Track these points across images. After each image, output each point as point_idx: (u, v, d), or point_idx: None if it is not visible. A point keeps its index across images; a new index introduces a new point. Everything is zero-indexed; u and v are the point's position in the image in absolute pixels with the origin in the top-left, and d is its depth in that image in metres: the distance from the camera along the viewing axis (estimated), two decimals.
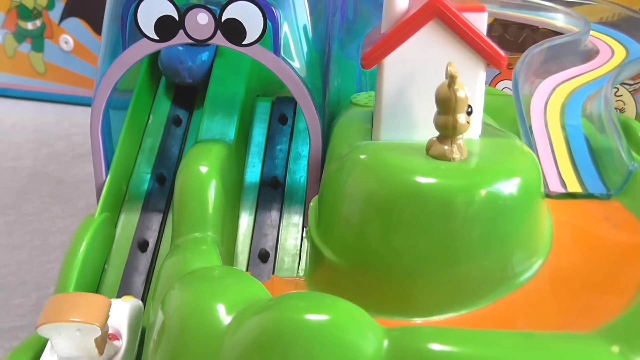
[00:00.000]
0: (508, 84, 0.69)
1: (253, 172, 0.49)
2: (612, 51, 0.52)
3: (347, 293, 0.30)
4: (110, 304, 0.32)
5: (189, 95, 0.55)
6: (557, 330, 0.31)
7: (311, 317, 0.28)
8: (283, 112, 0.53)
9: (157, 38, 0.42)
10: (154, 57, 0.54)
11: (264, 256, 0.44)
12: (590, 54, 0.51)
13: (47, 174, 0.76)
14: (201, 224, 0.39)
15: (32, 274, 0.60)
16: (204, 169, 0.41)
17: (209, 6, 0.41)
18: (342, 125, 0.43)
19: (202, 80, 0.54)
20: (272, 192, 0.47)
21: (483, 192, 0.33)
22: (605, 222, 0.38)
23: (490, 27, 0.37)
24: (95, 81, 0.45)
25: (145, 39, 0.42)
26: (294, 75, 0.43)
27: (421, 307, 0.34)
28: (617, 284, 0.33)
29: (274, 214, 0.46)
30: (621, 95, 0.67)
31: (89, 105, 0.45)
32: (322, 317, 0.28)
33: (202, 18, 0.41)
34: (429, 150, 0.35)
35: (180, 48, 0.53)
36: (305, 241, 0.43)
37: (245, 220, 0.46)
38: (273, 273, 0.43)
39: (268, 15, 0.41)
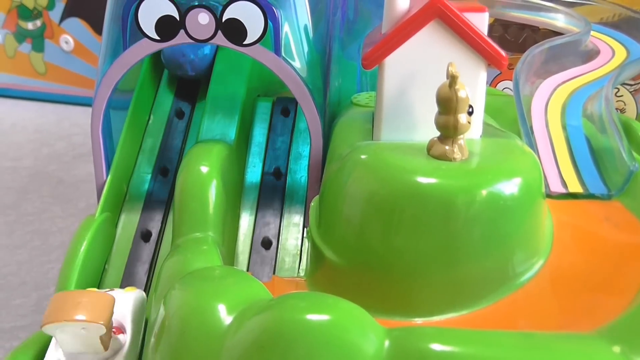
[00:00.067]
0: (508, 84, 0.69)
1: (254, 172, 0.49)
2: (612, 51, 0.52)
3: (347, 293, 0.30)
4: (114, 301, 0.32)
5: (191, 88, 0.55)
6: (558, 331, 0.31)
7: (312, 317, 0.28)
8: (285, 105, 0.53)
9: (157, 38, 0.42)
10: (157, 51, 0.55)
11: (267, 243, 0.44)
12: (590, 55, 0.51)
13: (47, 174, 0.76)
14: (202, 224, 0.39)
15: (32, 274, 0.60)
16: (204, 169, 0.41)
17: (211, 2, 0.41)
18: (342, 125, 0.43)
19: (205, 74, 0.54)
20: (275, 183, 0.47)
21: (484, 192, 0.33)
22: (606, 223, 0.38)
23: (490, 27, 0.37)
24: (95, 81, 0.45)
25: (146, 39, 0.42)
26: (295, 75, 0.43)
27: (422, 307, 0.34)
28: (618, 284, 0.33)
29: (275, 214, 0.46)
30: (622, 96, 0.67)
31: (89, 105, 0.45)
32: (323, 317, 0.28)
33: (203, 18, 0.41)
34: (430, 151, 0.35)
35: None
36: (306, 241, 0.43)
37: (246, 220, 0.46)
38: (274, 273, 0.43)
39: (269, 15, 0.41)
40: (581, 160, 0.42)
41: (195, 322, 0.30)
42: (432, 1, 0.35)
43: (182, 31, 0.42)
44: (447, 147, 0.34)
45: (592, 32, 0.52)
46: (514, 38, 0.68)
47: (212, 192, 0.41)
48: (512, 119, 0.44)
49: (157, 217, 0.47)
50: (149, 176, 0.49)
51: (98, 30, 0.87)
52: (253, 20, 0.41)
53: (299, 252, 0.44)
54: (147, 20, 0.41)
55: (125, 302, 0.35)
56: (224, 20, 0.41)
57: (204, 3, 0.41)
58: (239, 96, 0.50)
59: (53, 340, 0.33)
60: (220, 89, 0.50)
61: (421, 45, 0.36)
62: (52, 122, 0.88)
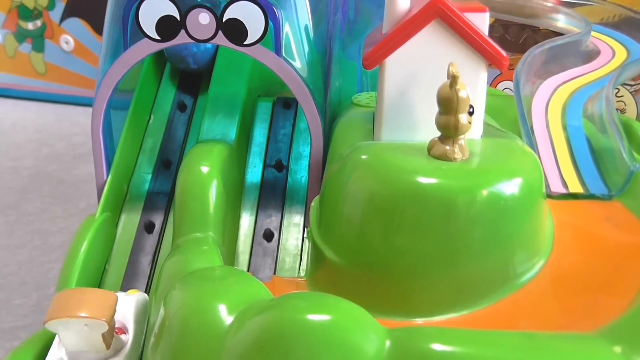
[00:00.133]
0: (508, 84, 0.69)
1: (254, 173, 0.49)
2: (613, 52, 0.52)
3: (348, 293, 0.30)
4: (117, 299, 0.32)
5: (193, 81, 0.55)
6: (559, 331, 0.31)
7: (313, 317, 0.28)
8: (287, 99, 0.53)
9: (158, 38, 0.42)
10: None
11: (268, 236, 0.44)
12: (591, 55, 0.51)
13: (47, 174, 0.76)
14: (202, 224, 0.39)
15: (32, 274, 0.60)
16: (205, 169, 0.41)
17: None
18: (343, 125, 0.43)
19: (207, 67, 0.54)
20: (276, 175, 0.47)
21: (485, 192, 0.33)
22: (606, 223, 0.38)
23: (491, 27, 0.37)
24: (96, 81, 0.45)
25: (146, 39, 0.42)
26: (296, 75, 0.43)
27: (422, 308, 0.34)
28: (618, 285, 0.33)
29: (275, 214, 0.46)
30: (622, 96, 0.67)
31: (89, 105, 0.45)
32: (324, 317, 0.28)
33: (204, 18, 0.41)
34: (431, 151, 0.35)
35: None
36: (306, 241, 0.43)
37: (247, 221, 0.46)
38: (274, 273, 0.43)
39: (270, 15, 0.41)
40: (582, 160, 0.42)
41: (195, 322, 0.30)
42: (432, 1, 0.35)
43: (182, 31, 0.42)
44: (447, 147, 0.34)
45: (592, 33, 0.52)
46: (514, 38, 0.68)
47: (213, 192, 0.41)
48: (512, 119, 0.44)
49: (160, 209, 0.47)
50: (149, 176, 0.49)
51: (98, 30, 0.87)
52: (254, 20, 0.41)
53: (299, 252, 0.44)
54: (148, 20, 0.41)
55: (128, 303, 0.35)
56: (224, 20, 0.41)
57: (204, 3, 0.41)
58: (240, 96, 0.50)
59: (56, 339, 0.33)
60: (220, 89, 0.50)
61: (422, 46, 0.36)
62: (52, 122, 0.88)
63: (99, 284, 0.43)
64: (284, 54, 0.42)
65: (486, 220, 0.33)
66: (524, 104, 0.44)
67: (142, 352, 0.34)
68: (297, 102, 0.52)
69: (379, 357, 0.27)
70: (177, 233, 0.40)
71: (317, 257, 0.37)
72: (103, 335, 0.32)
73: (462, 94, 0.34)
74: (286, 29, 0.43)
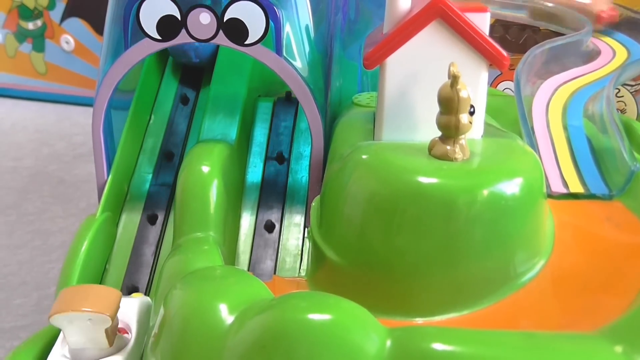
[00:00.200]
0: (509, 84, 0.69)
1: (255, 172, 0.49)
2: (613, 52, 0.52)
3: (348, 293, 0.30)
4: (121, 296, 0.33)
5: (195, 74, 0.56)
6: (560, 331, 0.31)
7: (314, 316, 0.28)
8: (289, 91, 0.53)
9: (159, 38, 0.42)
10: None
11: (269, 227, 0.45)
12: (591, 55, 0.51)
13: (48, 174, 0.76)
14: (203, 223, 0.39)
15: (33, 273, 0.60)
16: (205, 169, 0.41)
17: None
18: (343, 125, 0.43)
19: (208, 61, 0.54)
20: (278, 168, 0.48)
21: (485, 192, 0.33)
22: (607, 223, 0.38)
23: (491, 27, 0.37)
24: (96, 81, 0.45)
25: (147, 39, 0.42)
26: (296, 75, 0.43)
27: (423, 307, 0.34)
28: (619, 285, 0.33)
29: (277, 207, 0.46)
30: (622, 96, 0.67)
31: (89, 105, 0.45)
32: (324, 316, 0.28)
33: (205, 18, 0.41)
34: (431, 151, 0.35)
35: None
36: (307, 241, 0.43)
37: (247, 220, 0.46)
38: (275, 273, 0.43)
39: (270, 15, 0.41)
40: (582, 160, 0.42)
41: (196, 322, 0.30)
42: (433, 1, 0.35)
43: (183, 31, 0.42)
44: (448, 147, 0.34)
45: (592, 33, 0.52)
46: (514, 38, 0.68)
47: (213, 192, 0.41)
48: (513, 119, 0.44)
49: (163, 201, 0.47)
50: (150, 176, 0.49)
51: (98, 30, 0.87)
52: (254, 20, 0.41)
53: (300, 252, 0.44)
54: (149, 19, 0.41)
55: (131, 305, 0.35)
56: (225, 20, 0.41)
57: (205, 3, 0.41)
58: (240, 96, 0.50)
59: (59, 337, 0.34)
60: (221, 88, 0.50)
61: (423, 45, 0.36)
62: (52, 122, 0.88)
63: (100, 283, 0.43)
64: (284, 53, 0.42)
65: (487, 220, 0.33)
66: (524, 104, 0.44)
67: (143, 353, 0.34)
68: (295, 114, 0.52)
69: (380, 356, 0.27)
70: (177, 233, 0.40)
71: (317, 257, 0.37)
72: (106, 331, 0.32)
73: (463, 93, 0.34)
74: (287, 28, 0.43)
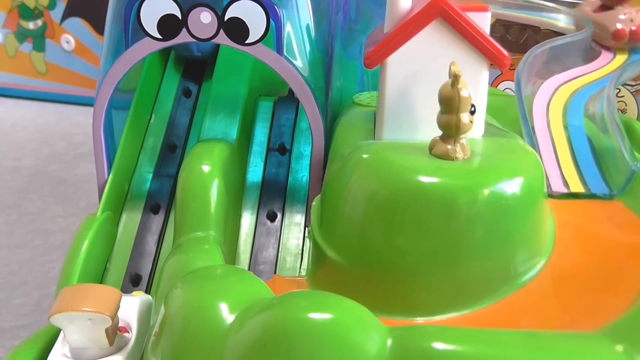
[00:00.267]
0: (509, 84, 0.69)
1: (255, 172, 0.49)
2: (613, 52, 0.52)
3: (349, 292, 0.30)
4: (121, 296, 0.33)
5: (198, 68, 0.56)
6: (561, 330, 0.31)
7: (315, 315, 0.28)
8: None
9: (160, 37, 0.42)
10: None
11: (272, 216, 0.45)
12: (592, 55, 0.51)
13: (48, 174, 0.76)
14: (203, 223, 0.39)
15: (33, 273, 0.60)
16: (206, 168, 0.41)
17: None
18: (344, 124, 0.43)
19: (211, 54, 0.55)
20: (280, 158, 0.48)
21: (486, 191, 0.33)
22: (608, 222, 0.38)
23: (492, 27, 0.37)
24: (97, 80, 0.45)
25: (148, 38, 0.42)
26: (297, 74, 0.43)
27: (423, 307, 0.34)
28: (620, 284, 0.33)
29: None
30: (623, 96, 0.67)
31: (90, 105, 0.45)
32: (325, 315, 0.28)
33: (205, 17, 0.41)
34: (432, 150, 0.35)
35: None
36: (307, 241, 0.43)
37: (247, 220, 0.46)
38: (275, 273, 0.43)
39: (271, 14, 0.41)
40: (583, 160, 0.42)
41: (197, 321, 0.30)
42: (434, 0, 0.35)
43: (184, 30, 0.42)
44: (449, 147, 0.34)
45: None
46: (515, 38, 0.68)
47: (214, 192, 0.41)
48: (513, 119, 0.44)
49: (166, 191, 0.48)
50: (150, 175, 0.49)
51: (99, 30, 0.87)
52: (255, 19, 0.41)
53: (300, 251, 0.44)
54: (150, 19, 0.41)
55: (132, 304, 0.35)
56: (226, 19, 0.41)
57: (206, 2, 0.41)
58: (241, 96, 0.50)
59: (60, 337, 0.34)
60: (222, 88, 0.50)
61: (423, 45, 0.36)
62: (52, 121, 0.88)
63: (100, 283, 0.43)
64: (285, 53, 0.42)
65: (487, 219, 0.33)
66: (525, 103, 0.44)
67: (143, 352, 0.34)
68: (296, 114, 0.52)
69: (381, 355, 0.27)
70: (178, 232, 0.40)
71: (318, 256, 0.37)
72: (106, 331, 0.32)
73: (464, 93, 0.33)
74: (288, 28, 0.43)
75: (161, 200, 0.47)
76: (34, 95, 0.93)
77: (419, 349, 0.27)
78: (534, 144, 0.42)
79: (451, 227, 0.33)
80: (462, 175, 0.34)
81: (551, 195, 0.39)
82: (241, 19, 0.41)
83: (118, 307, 0.32)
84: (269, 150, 0.49)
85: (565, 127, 0.44)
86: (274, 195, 0.47)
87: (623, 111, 0.67)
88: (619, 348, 0.27)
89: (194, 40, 0.42)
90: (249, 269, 0.43)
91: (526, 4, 0.57)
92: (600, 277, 0.34)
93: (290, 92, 0.53)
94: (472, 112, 0.35)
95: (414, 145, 0.36)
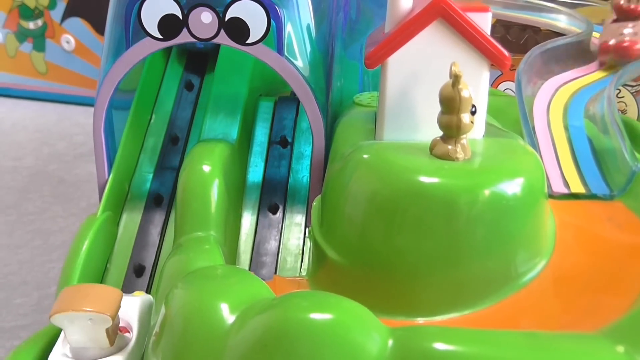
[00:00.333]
0: (509, 85, 0.69)
1: (255, 172, 0.49)
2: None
3: (349, 293, 0.30)
4: (122, 296, 0.33)
5: (200, 61, 0.56)
6: (561, 331, 0.31)
7: (315, 316, 0.28)
8: None
9: (160, 37, 0.42)
10: None
11: (273, 208, 0.46)
12: (593, 56, 0.51)
13: (48, 174, 0.76)
14: (204, 223, 0.39)
15: (33, 273, 0.60)
16: (206, 168, 0.41)
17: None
18: (345, 125, 0.43)
19: (213, 47, 0.55)
20: (282, 151, 0.48)
21: (487, 192, 0.33)
22: (608, 223, 0.38)
23: (492, 28, 0.37)
24: (97, 80, 0.45)
25: (148, 38, 0.42)
26: (298, 74, 0.43)
27: (424, 307, 0.34)
28: (620, 285, 0.33)
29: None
30: (623, 97, 0.67)
31: (90, 105, 0.45)
32: (326, 316, 0.28)
33: (206, 17, 0.41)
34: (433, 150, 0.35)
35: None
36: (307, 241, 0.43)
37: (248, 220, 0.46)
38: (275, 273, 0.43)
39: (272, 15, 0.41)
40: (583, 160, 0.42)
41: (197, 321, 0.30)
42: (435, 1, 0.35)
43: (184, 30, 0.42)
44: (449, 147, 0.34)
45: (594, 33, 0.52)
46: (515, 39, 0.68)
47: (214, 192, 0.41)
48: (513, 120, 0.44)
49: (168, 183, 0.48)
50: (151, 175, 0.49)
51: (99, 30, 0.87)
52: (256, 20, 0.41)
53: (301, 251, 0.44)
54: (150, 19, 0.41)
55: (133, 303, 0.35)
56: (226, 19, 0.41)
57: (206, 2, 0.41)
58: (241, 96, 0.50)
59: (60, 337, 0.34)
60: (222, 88, 0.50)
61: (424, 45, 0.36)
62: (52, 121, 0.88)
63: (101, 283, 0.43)
64: (286, 53, 0.42)
65: (488, 220, 0.33)
66: (525, 104, 0.44)
67: (144, 352, 0.34)
68: (296, 114, 0.53)
69: (382, 356, 0.27)
70: (178, 232, 0.40)
71: (318, 256, 0.37)
72: (107, 331, 0.32)
73: (465, 93, 0.33)
74: (288, 28, 0.43)
75: (164, 192, 0.48)
76: (34, 95, 0.93)
77: (419, 349, 0.27)
78: (535, 145, 0.42)
79: (452, 227, 0.33)
80: (463, 176, 0.34)
81: (552, 195, 0.39)
82: (242, 19, 0.41)
83: (119, 307, 0.32)
84: (270, 143, 0.50)
85: (566, 128, 0.44)
86: (276, 188, 0.47)
87: (623, 111, 0.67)
88: (620, 349, 0.27)
89: (194, 40, 0.42)
90: (249, 269, 0.43)
91: (526, 4, 0.57)
92: (601, 278, 0.34)
93: (292, 92, 0.53)
94: (473, 113, 0.35)
95: (415, 146, 0.36)
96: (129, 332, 0.34)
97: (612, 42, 0.49)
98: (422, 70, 0.36)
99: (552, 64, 0.49)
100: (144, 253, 0.44)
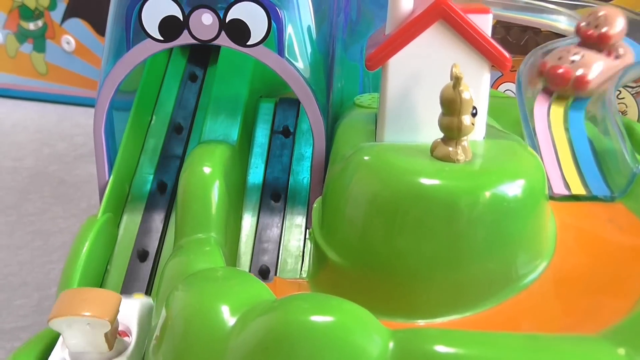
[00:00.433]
0: (510, 86, 0.69)
1: (256, 173, 0.48)
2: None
3: (350, 294, 0.30)
4: (121, 300, 0.33)
5: (203, 53, 0.56)
6: (562, 333, 0.31)
7: (316, 318, 0.28)
8: None
9: (161, 38, 0.42)
10: None
11: (276, 196, 0.46)
12: None
13: (48, 175, 0.76)
14: (204, 224, 0.39)
15: (33, 274, 0.60)
16: (207, 170, 0.41)
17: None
18: (345, 126, 0.43)
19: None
20: (284, 141, 0.49)
21: (487, 193, 0.33)
22: (609, 225, 0.38)
23: (492, 29, 0.37)
24: (97, 81, 0.45)
25: (149, 39, 0.42)
26: (298, 76, 0.43)
27: (425, 309, 0.34)
28: (622, 286, 0.33)
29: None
30: (623, 98, 0.67)
31: (90, 105, 0.45)
32: (327, 318, 0.28)
33: (207, 18, 0.41)
34: (433, 152, 0.35)
35: None
36: (308, 243, 0.43)
37: (248, 222, 0.46)
38: (276, 274, 0.43)
39: (273, 16, 0.41)
40: (584, 162, 0.42)
41: (198, 324, 0.30)
42: (436, 2, 0.35)
43: (185, 31, 0.42)
44: (450, 149, 0.34)
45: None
46: (516, 40, 0.68)
47: (215, 193, 0.41)
48: (514, 121, 0.44)
49: (173, 171, 0.48)
50: (151, 177, 0.49)
51: (99, 30, 0.87)
52: (257, 21, 0.41)
53: (301, 253, 0.44)
54: (151, 20, 0.41)
55: (132, 306, 0.35)
56: (227, 20, 0.41)
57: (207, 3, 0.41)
58: (242, 97, 0.50)
59: (59, 340, 0.34)
60: (223, 89, 0.50)
61: (425, 47, 0.36)
62: (53, 122, 0.88)
63: (101, 285, 0.43)
64: (286, 54, 0.42)
65: (489, 221, 0.33)
66: (526, 105, 0.44)
67: (144, 356, 0.34)
68: (297, 115, 0.53)
69: (383, 358, 0.27)
70: (179, 234, 0.40)
71: (319, 258, 0.37)
72: (106, 335, 0.32)
73: (465, 95, 0.33)
74: (289, 30, 0.43)
75: (168, 179, 0.48)
76: (35, 95, 0.92)
77: (420, 351, 0.27)
78: (535, 146, 0.42)
79: (452, 229, 0.33)
80: (464, 178, 0.34)
81: (552, 197, 0.39)
82: (243, 21, 0.41)
83: (117, 311, 0.32)
84: (272, 133, 0.50)
85: (566, 129, 0.44)
86: (278, 177, 0.47)
87: (624, 113, 0.67)
88: (621, 351, 0.27)
89: (195, 42, 0.42)
90: (249, 271, 0.43)
91: (527, 5, 0.57)
92: (602, 280, 0.34)
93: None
94: (474, 114, 0.35)
95: (415, 147, 0.36)
96: (128, 336, 0.34)
97: (549, 65, 0.45)
98: (423, 72, 0.36)
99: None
100: (147, 239, 0.45)
